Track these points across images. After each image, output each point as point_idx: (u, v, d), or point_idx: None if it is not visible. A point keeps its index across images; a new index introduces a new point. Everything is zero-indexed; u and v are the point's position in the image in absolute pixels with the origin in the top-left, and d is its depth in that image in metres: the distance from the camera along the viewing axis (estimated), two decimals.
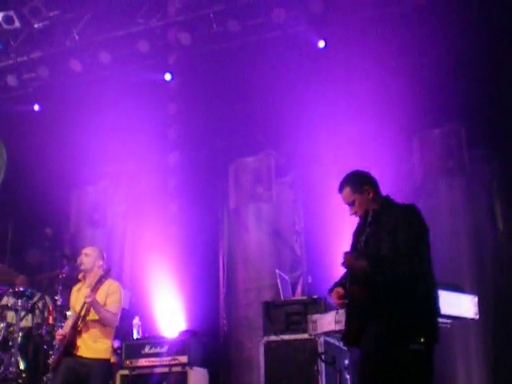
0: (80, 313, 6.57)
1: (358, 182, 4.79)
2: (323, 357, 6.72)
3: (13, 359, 7.90)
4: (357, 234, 4.78)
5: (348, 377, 6.92)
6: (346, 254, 4.53)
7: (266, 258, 9.32)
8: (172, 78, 10.61)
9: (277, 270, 8.12)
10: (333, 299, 4.80)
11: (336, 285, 4.85)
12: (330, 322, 6.62)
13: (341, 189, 4.84)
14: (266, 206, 9.58)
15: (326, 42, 9.70)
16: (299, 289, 8.33)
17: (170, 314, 9.22)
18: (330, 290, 4.84)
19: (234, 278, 9.53)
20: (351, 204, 4.77)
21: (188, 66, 10.34)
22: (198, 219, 9.86)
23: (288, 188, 9.78)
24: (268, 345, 7.14)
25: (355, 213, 4.77)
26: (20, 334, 8.00)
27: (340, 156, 8.84)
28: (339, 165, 8.75)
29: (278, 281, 7.86)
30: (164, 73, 10.60)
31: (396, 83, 8.74)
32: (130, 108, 9.94)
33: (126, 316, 8.03)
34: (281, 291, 7.81)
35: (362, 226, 4.71)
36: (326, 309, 6.96)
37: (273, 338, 7.16)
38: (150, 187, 10.02)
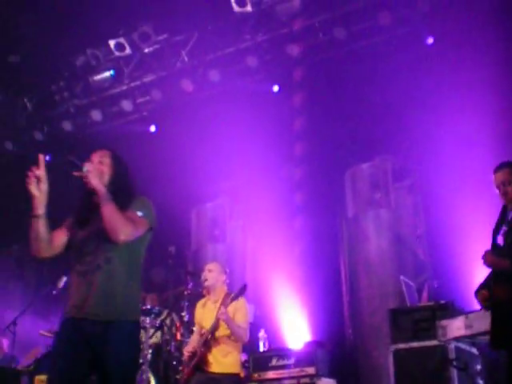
0: (211, 329, 6.66)
1: None
2: (455, 363, 6.53)
3: (144, 376, 8.08)
4: (494, 232, 4.67)
5: (481, 382, 6.71)
6: (486, 252, 4.47)
7: (388, 265, 9.16)
8: (279, 90, 10.69)
9: (401, 277, 7.98)
10: (478, 301, 4.74)
11: (482, 286, 4.74)
12: (459, 326, 6.44)
13: (502, 167, 4.93)
14: (385, 212, 9.42)
15: (435, 39, 9.50)
16: (425, 294, 8.13)
17: (294, 325, 9.21)
18: (476, 292, 4.75)
19: (356, 286, 9.41)
20: (507, 183, 4.82)
21: (298, 77, 10.36)
22: (317, 229, 9.82)
23: (406, 193, 9.60)
24: (397, 353, 7.01)
25: (506, 193, 4.82)
26: (149, 351, 8.19)
27: (458, 156, 8.62)
28: (457, 165, 8.54)
29: (403, 287, 7.71)
30: (273, 85, 10.70)
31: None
32: (243, 123, 10.03)
33: (252, 329, 8.05)
34: (406, 297, 7.66)
35: (499, 223, 4.61)
36: (455, 313, 6.77)
37: (401, 345, 7.02)
38: (267, 200, 10.03)
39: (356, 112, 9.70)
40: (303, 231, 9.85)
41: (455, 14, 9.12)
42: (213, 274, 6.89)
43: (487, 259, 4.44)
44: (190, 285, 7.95)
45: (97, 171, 4.28)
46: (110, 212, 4.14)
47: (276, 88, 10.75)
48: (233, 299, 6.65)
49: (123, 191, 4.38)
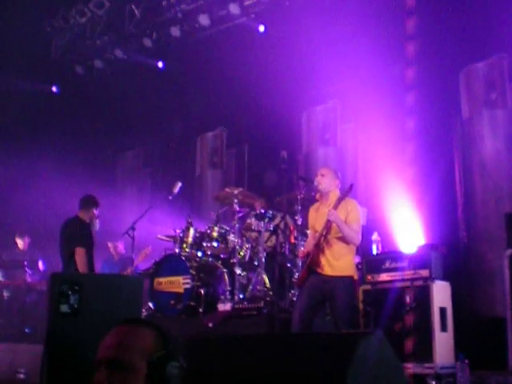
0: (322, 231, 6.72)
1: None
2: None
3: (259, 278, 8.32)
4: None
5: None
6: None
7: (503, 168, 8.87)
8: None
9: None
10: None
11: None
12: None
13: None
14: (501, 112, 9.07)
15: None
16: None
17: (407, 228, 9.14)
18: None
19: (471, 188, 9.19)
20: None
21: None
22: (431, 132, 9.55)
23: None
24: None
25: None
26: (264, 254, 8.38)
27: None
28: None
29: None
30: None
31: None
32: (354, 24, 9.76)
33: (365, 232, 8.04)
34: None
35: None
36: None
37: None
38: (379, 102, 9.78)
39: (469, 9, 9.23)
40: (416, 132, 9.58)
41: None
42: (325, 179, 6.90)
43: None
44: (303, 189, 7.98)
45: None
46: None
47: None
48: (340, 199, 6.68)
49: None
